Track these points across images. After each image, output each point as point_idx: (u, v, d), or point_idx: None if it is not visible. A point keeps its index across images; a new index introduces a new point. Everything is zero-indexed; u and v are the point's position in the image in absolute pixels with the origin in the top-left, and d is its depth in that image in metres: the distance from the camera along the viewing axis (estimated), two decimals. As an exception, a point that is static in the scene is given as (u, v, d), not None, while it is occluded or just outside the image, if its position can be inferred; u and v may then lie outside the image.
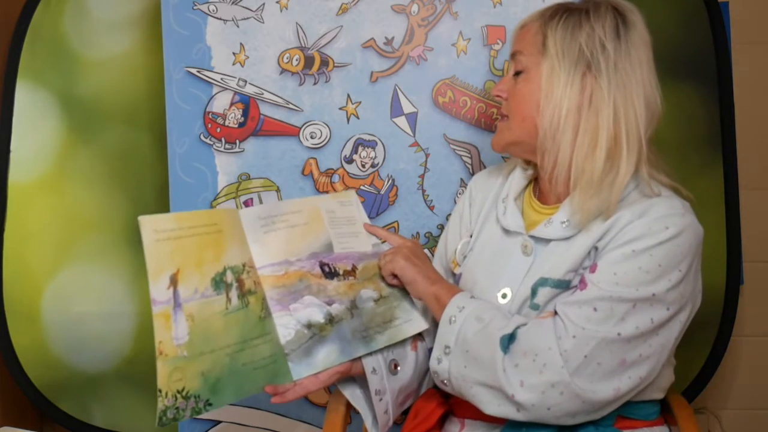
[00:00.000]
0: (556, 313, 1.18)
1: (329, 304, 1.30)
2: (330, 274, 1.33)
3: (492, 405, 1.17)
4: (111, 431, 1.90)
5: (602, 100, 1.21)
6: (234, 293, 1.21)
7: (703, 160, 1.80)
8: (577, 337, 1.13)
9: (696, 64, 1.79)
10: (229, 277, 1.21)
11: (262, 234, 1.29)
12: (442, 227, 1.69)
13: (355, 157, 1.71)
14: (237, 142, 1.71)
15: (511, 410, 1.16)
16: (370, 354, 1.30)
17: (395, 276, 1.34)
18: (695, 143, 1.79)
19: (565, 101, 1.22)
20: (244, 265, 1.24)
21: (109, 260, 1.88)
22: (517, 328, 1.18)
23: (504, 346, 1.16)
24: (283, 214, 1.33)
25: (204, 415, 1.75)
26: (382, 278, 1.37)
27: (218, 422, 1.77)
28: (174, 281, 1.13)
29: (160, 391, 1.09)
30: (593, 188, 1.21)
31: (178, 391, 1.11)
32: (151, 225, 1.14)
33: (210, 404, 1.14)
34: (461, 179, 1.69)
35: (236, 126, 1.71)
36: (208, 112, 1.71)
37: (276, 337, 1.24)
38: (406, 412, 1.39)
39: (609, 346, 1.14)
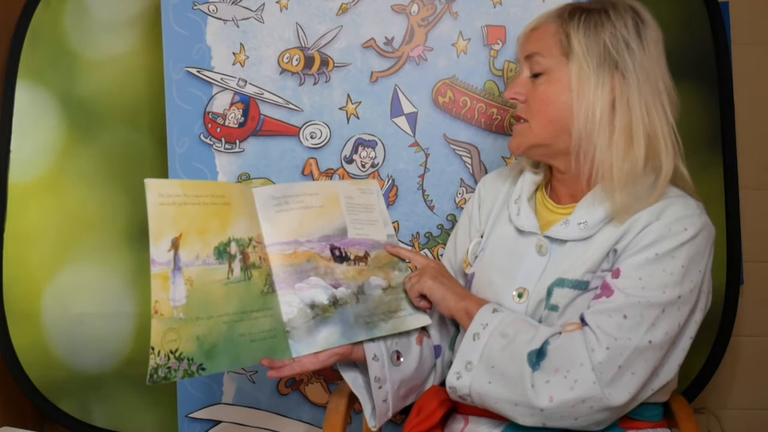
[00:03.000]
0: (583, 322, 1.18)
1: (335, 287, 1.31)
2: (340, 258, 1.34)
3: (521, 417, 1.17)
4: (111, 431, 1.90)
5: (633, 97, 1.21)
6: (237, 265, 1.22)
7: (703, 160, 1.80)
8: (611, 348, 1.14)
9: (696, 64, 1.79)
10: (234, 248, 1.23)
11: (273, 213, 1.31)
12: (442, 227, 1.69)
13: (355, 157, 1.71)
14: (237, 142, 1.71)
15: (539, 421, 1.17)
16: (372, 341, 1.31)
17: (423, 297, 1.35)
18: (695, 143, 1.79)
19: (598, 101, 1.21)
20: (250, 240, 1.26)
21: (109, 260, 1.88)
22: (546, 343, 1.18)
23: (532, 362, 1.16)
24: (298, 196, 1.35)
25: (204, 415, 1.76)
26: (393, 268, 1.38)
27: (218, 422, 1.77)
28: (175, 245, 1.15)
29: (153, 348, 1.11)
30: (634, 185, 1.21)
31: (171, 351, 1.12)
32: (156, 188, 1.16)
33: (203, 369, 1.16)
34: (461, 179, 1.69)
35: (236, 126, 1.71)
36: (208, 112, 1.71)
37: (278, 314, 1.26)
38: (407, 411, 1.39)
39: (642, 354, 1.15)
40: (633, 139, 1.21)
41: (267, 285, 1.26)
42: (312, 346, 1.27)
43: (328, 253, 1.34)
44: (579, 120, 1.22)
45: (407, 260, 1.41)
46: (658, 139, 1.22)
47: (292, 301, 1.28)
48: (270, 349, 1.24)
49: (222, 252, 1.21)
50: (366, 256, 1.37)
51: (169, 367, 1.12)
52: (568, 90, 1.23)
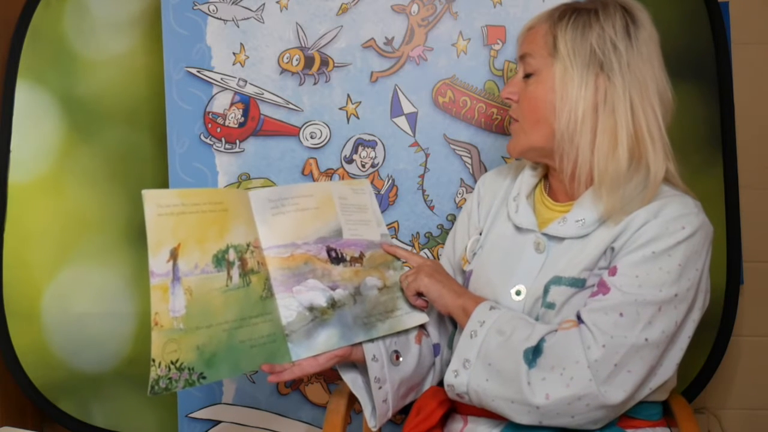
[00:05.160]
0: (579, 319, 1.18)
1: (333, 288, 1.31)
2: (336, 259, 1.34)
3: (517, 415, 1.17)
4: (111, 431, 1.90)
5: (618, 99, 1.21)
6: (235, 271, 1.22)
7: (703, 160, 1.80)
8: (607, 346, 1.14)
9: (696, 64, 1.79)
10: (232, 255, 1.22)
11: (270, 216, 1.31)
12: (442, 227, 1.69)
13: (355, 157, 1.71)
14: (237, 142, 1.71)
15: (535, 419, 1.17)
16: (371, 341, 1.32)
17: (420, 295, 1.35)
18: (695, 143, 1.79)
19: (580, 102, 1.21)
20: (248, 245, 1.26)
21: (109, 260, 1.88)
22: (542, 340, 1.18)
23: (528, 359, 1.16)
24: (294, 198, 1.35)
25: (204, 415, 1.76)
26: (388, 268, 1.38)
27: (218, 422, 1.77)
28: (174, 255, 1.15)
29: (153, 360, 1.11)
30: (620, 187, 1.21)
31: (172, 362, 1.13)
32: (154, 199, 1.16)
33: (204, 378, 1.16)
34: (461, 179, 1.69)
35: (236, 126, 1.71)
36: (208, 112, 1.71)
37: (277, 318, 1.26)
38: (407, 411, 1.39)
39: (639, 352, 1.15)
40: (617, 140, 1.21)
41: (266, 290, 1.26)
42: (311, 349, 1.27)
43: (324, 254, 1.34)
44: (561, 120, 1.23)
45: (403, 259, 1.41)
46: (645, 141, 1.22)
47: (290, 305, 1.28)
48: (270, 354, 1.24)
49: (220, 260, 1.21)
50: (361, 256, 1.37)
51: (170, 378, 1.12)
52: (553, 91, 1.24)
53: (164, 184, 1.75)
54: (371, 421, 1.34)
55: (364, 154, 1.70)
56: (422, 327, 1.41)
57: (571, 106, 1.22)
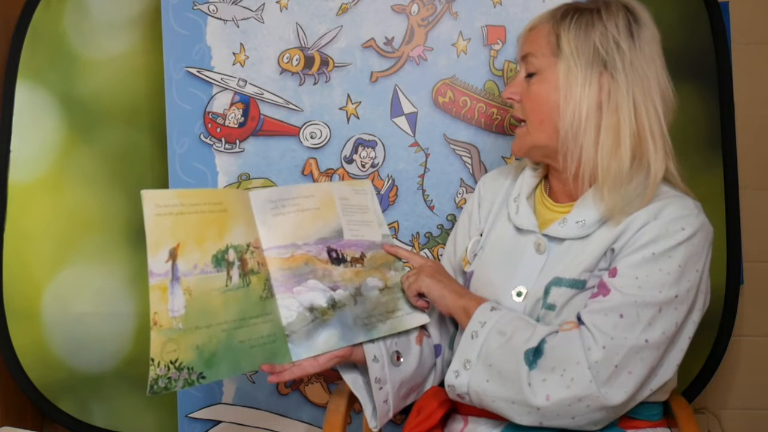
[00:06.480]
0: (580, 321, 1.18)
1: (333, 289, 1.32)
2: (337, 260, 1.34)
3: (518, 416, 1.17)
4: (111, 431, 1.90)
5: (621, 97, 1.21)
6: (235, 272, 1.22)
7: (703, 160, 1.80)
8: (607, 347, 1.14)
9: (696, 64, 1.79)
10: (232, 255, 1.23)
11: (270, 216, 1.31)
12: (442, 227, 1.69)
13: (355, 157, 1.71)
14: (237, 142, 1.71)
15: (536, 420, 1.17)
16: (371, 342, 1.32)
17: (421, 295, 1.35)
18: (695, 143, 1.79)
19: (584, 101, 1.21)
20: (248, 245, 1.26)
21: (109, 260, 1.88)
22: (543, 341, 1.18)
23: (529, 360, 1.16)
24: (294, 198, 1.35)
25: (204, 416, 1.76)
26: (389, 268, 1.38)
27: (218, 422, 1.77)
28: (173, 255, 1.16)
29: (153, 360, 1.11)
30: (621, 186, 1.21)
31: (171, 362, 1.13)
32: (152, 199, 1.16)
33: (203, 377, 1.16)
34: (461, 179, 1.69)
35: (236, 126, 1.71)
36: (208, 112, 1.71)
37: (277, 318, 1.26)
38: (407, 411, 1.39)
39: (639, 354, 1.15)
40: (620, 138, 1.21)
41: (266, 290, 1.26)
42: (311, 349, 1.27)
43: (325, 255, 1.34)
44: (565, 119, 1.23)
45: (404, 260, 1.41)
46: (647, 140, 1.22)
47: (291, 305, 1.28)
48: (270, 354, 1.24)
49: (220, 260, 1.21)
50: (362, 257, 1.37)
51: (169, 378, 1.12)
52: (557, 90, 1.24)
53: (164, 184, 1.75)
54: (372, 422, 1.34)
55: (364, 154, 1.70)
56: (423, 328, 1.41)
57: (575, 105, 1.22)
